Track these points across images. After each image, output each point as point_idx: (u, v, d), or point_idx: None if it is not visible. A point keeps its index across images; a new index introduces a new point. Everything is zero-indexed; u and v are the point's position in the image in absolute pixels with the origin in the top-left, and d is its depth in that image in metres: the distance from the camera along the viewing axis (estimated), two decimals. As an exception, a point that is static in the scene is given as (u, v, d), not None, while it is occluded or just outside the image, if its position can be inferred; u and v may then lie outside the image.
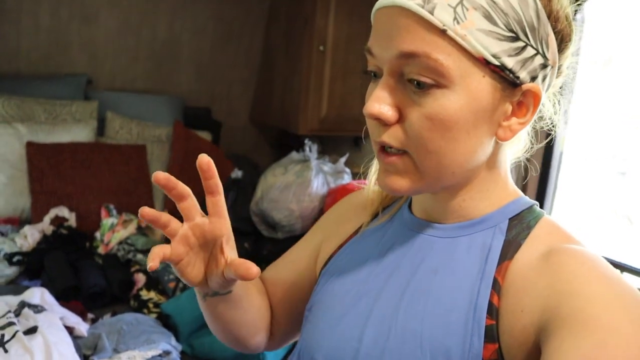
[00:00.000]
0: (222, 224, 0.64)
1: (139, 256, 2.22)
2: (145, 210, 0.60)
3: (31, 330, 1.46)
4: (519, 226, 0.64)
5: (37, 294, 1.71)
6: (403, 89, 0.59)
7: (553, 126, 0.69)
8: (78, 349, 1.56)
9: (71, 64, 2.94)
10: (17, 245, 2.18)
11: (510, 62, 0.57)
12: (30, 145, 2.49)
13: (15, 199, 2.47)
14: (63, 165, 2.52)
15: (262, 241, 2.59)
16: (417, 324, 0.62)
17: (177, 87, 3.22)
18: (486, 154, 0.62)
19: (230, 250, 0.65)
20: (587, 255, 0.57)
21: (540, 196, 2.23)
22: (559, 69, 0.64)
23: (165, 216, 0.62)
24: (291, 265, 0.85)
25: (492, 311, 0.59)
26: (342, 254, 0.77)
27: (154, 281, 2.08)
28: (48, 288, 1.81)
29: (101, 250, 2.31)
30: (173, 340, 1.74)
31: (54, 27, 2.86)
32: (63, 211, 2.41)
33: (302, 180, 2.48)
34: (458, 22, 0.55)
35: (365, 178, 0.80)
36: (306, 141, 2.66)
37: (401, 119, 0.59)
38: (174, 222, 0.63)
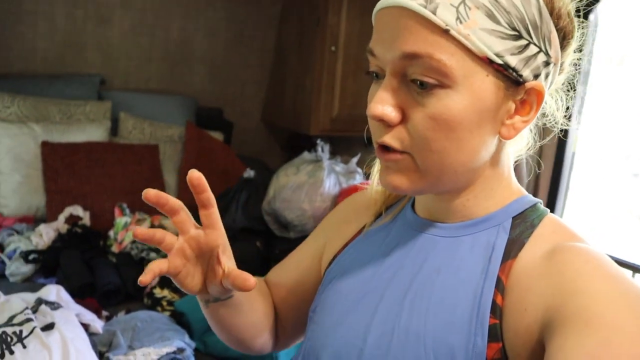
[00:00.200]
0: (216, 235, 0.65)
1: (153, 255, 2.24)
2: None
3: (48, 327, 1.49)
4: (523, 225, 0.63)
5: (53, 291, 1.74)
6: (406, 90, 0.59)
7: (556, 123, 0.68)
8: (94, 345, 1.58)
9: (85, 65, 2.97)
10: (33, 243, 2.20)
11: (513, 61, 0.57)
12: (45, 145, 2.52)
13: (30, 197, 2.50)
14: (77, 164, 2.54)
15: (274, 240, 2.60)
16: (421, 324, 0.61)
17: (189, 88, 3.25)
18: (489, 153, 0.62)
19: (227, 260, 0.66)
20: (591, 253, 0.57)
21: (552, 197, 2.22)
22: (561, 65, 0.63)
23: (159, 232, 0.62)
24: (295, 266, 0.86)
25: (496, 310, 0.58)
26: (345, 255, 0.77)
27: (168, 279, 2.09)
28: (63, 286, 1.84)
29: (115, 248, 2.33)
30: (187, 338, 1.75)
31: (69, 28, 2.89)
32: (77, 210, 2.44)
33: (314, 180, 2.49)
34: (461, 22, 0.55)
35: (369, 178, 0.80)
36: (318, 141, 2.67)
37: (404, 119, 0.59)
38: (168, 237, 0.63)
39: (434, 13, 0.55)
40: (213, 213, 0.64)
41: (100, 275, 2.05)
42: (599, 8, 1.95)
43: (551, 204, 2.19)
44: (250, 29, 3.29)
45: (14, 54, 2.81)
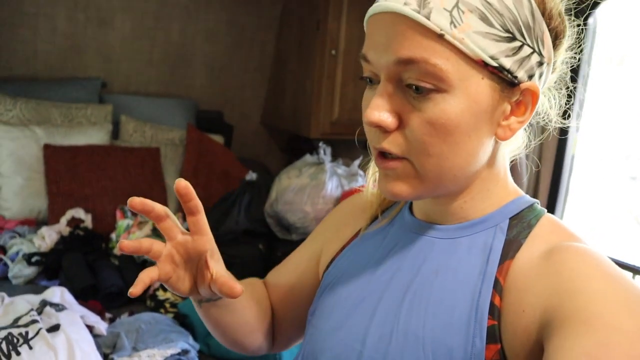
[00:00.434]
0: (204, 241, 0.66)
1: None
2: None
3: (54, 328, 1.49)
4: (520, 225, 0.63)
5: (57, 293, 1.74)
6: (402, 95, 0.58)
7: (549, 120, 0.69)
8: (98, 347, 1.58)
9: (87, 68, 2.98)
10: (35, 246, 2.21)
11: (508, 63, 0.57)
12: (47, 148, 2.52)
13: (32, 200, 2.50)
14: (79, 167, 2.55)
15: (276, 243, 2.60)
16: (419, 326, 0.62)
17: (190, 91, 3.26)
18: (487, 155, 0.62)
19: (215, 264, 0.67)
20: (589, 253, 0.57)
21: (552, 199, 2.23)
22: (553, 65, 0.64)
23: (145, 242, 0.64)
24: (292, 268, 0.86)
25: (494, 311, 0.58)
26: (343, 258, 0.77)
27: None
28: (66, 288, 1.84)
29: (117, 251, 2.33)
30: (191, 340, 1.75)
31: (70, 31, 2.90)
32: (79, 213, 2.44)
33: (316, 183, 2.50)
34: (455, 26, 0.55)
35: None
36: (320, 144, 2.68)
37: (401, 125, 0.59)
38: (156, 245, 0.64)
39: (428, 18, 0.55)
40: (200, 219, 0.66)
41: (103, 278, 2.05)
42: (598, 10, 1.96)
43: (551, 207, 2.21)
44: (251, 32, 3.31)
45: (15, 58, 2.82)
